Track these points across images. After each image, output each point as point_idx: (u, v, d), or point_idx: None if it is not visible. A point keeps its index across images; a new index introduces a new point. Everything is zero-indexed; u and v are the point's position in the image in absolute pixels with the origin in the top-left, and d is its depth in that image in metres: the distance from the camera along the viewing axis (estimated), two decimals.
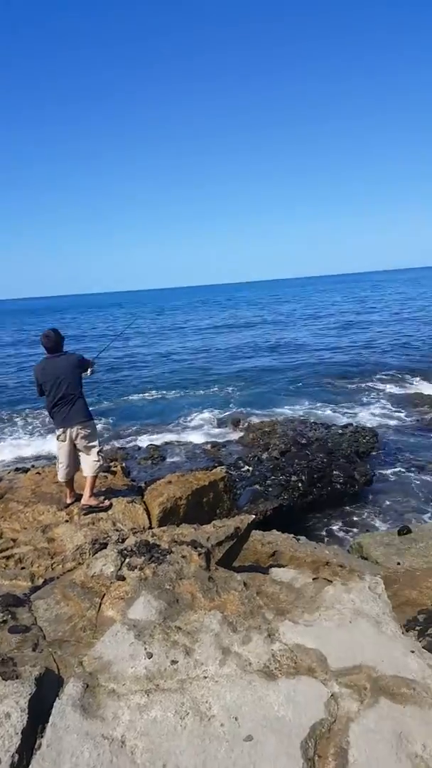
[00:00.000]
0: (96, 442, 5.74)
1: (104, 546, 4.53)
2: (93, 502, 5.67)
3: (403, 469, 11.72)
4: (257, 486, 9.82)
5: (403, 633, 3.14)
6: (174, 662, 2.83)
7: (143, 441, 14.79)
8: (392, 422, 15.42)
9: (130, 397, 20.88)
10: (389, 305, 59.46)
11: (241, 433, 14.89)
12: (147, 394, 21.28)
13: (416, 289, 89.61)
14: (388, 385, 19.79)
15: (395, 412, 16.41)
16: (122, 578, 3.77)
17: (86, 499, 5.66)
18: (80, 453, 5.73)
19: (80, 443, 5.65)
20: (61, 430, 5.66)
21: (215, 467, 10.74)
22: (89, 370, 5.87)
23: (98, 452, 5.73)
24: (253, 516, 5.21)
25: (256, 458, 11.66)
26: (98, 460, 5.73)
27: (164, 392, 21.56)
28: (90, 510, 5.58)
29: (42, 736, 2.36)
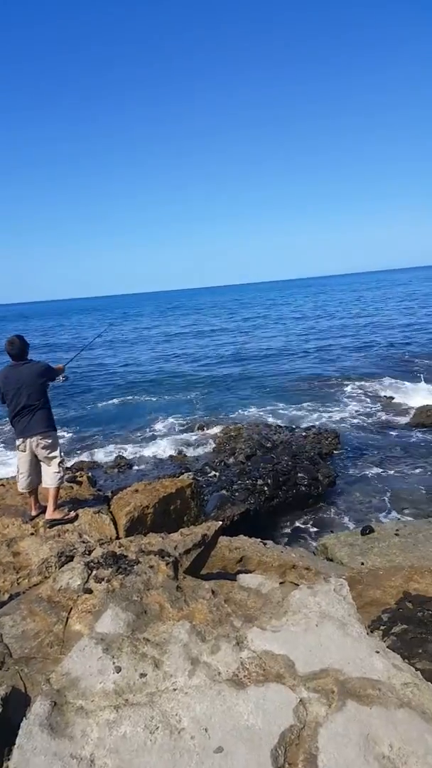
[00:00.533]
0: (57, 453, 5.66)
1: (70, 558, 4.48)
2: (57, 515, 5.59)
3: (364, 469, 11.95)
4: (224, 491, 9.87)
5: (367, 634, 3.19)
6: (143, 675, 2.81)
7: (110, 449, 14.70)
8: (354, 423, 15.71)
9: (96, 405, 20.72)
10: (350, 308, 60.65)
11: (208, 439, 14.95)
12: (112, 402, 21.16)
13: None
14: (348, 388, 20.12)
15: (356, 413, 16.71)
16: (89, 591, 3.74)
17: (50, 513, 5.58)
18: (42, 463, 5.66)
19: (40, 453, 5.58)
20: (21, 440, 5.57)
21: (182, 474, 10.76)
22: (61, 376, 5.80)
23: (59, 463, 5.65)
24: (221, 522, 5.23)
25: (222, 463, 11.71)
26: (59, 471, 5.65)
27: (129, 399, 21.48)
28: (54, 524, 5.50)
29: (9, 759, 2.32)
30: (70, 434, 16.30)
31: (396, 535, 6.50)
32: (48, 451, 5.58)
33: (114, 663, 2.88)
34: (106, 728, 2.45)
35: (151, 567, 3.98)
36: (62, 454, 5.80)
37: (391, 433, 14.48)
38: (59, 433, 6.09)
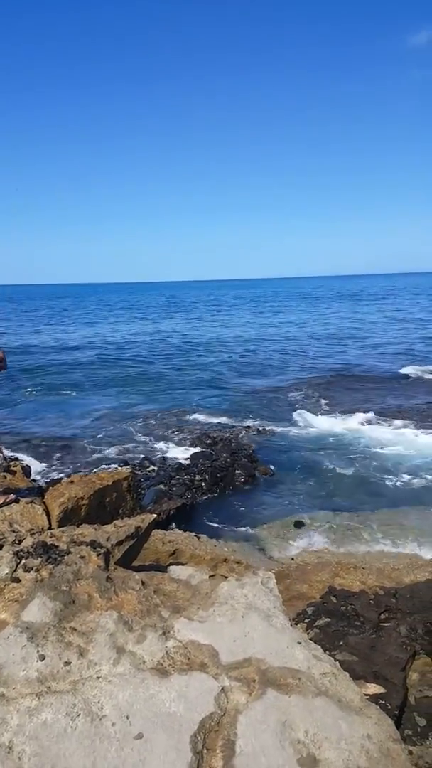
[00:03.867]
0: None
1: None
2: None
3: (300, 467, 12.24)
4: (162, 485, 9.89)
5: (291, 625, 3.29)
6: (67, 663, 2.81)
7: (46, 439, 14.40)
8: (292, 424, 15.99)
9: (32, 395, 20.26)
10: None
11: (148, 432, 14.89)
12: (49, 390, 20.75)
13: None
14: (291, 391, 20.48)
15: (293, 415, 17.01)
16: (17, 580, 3.68)
17: None
18: None
19: None
20: None
21: (121, 466, 10.70)
22: None
23: None
24: (155, 515, 5.24)
25: (161, 457, 11.73)
26: None
27: (68, 389, 21.11)
28: None
29: None
30: (4, 422, 15.89)
31: (327, 530, 6.70)
32: None
33: (38, 651, 2.86)
34: (27, 715, 2.44)
35: (82, 557, 3.96)
36: None
37: (329, 432, 14.85)
38: None
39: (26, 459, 11.98)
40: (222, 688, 2.70)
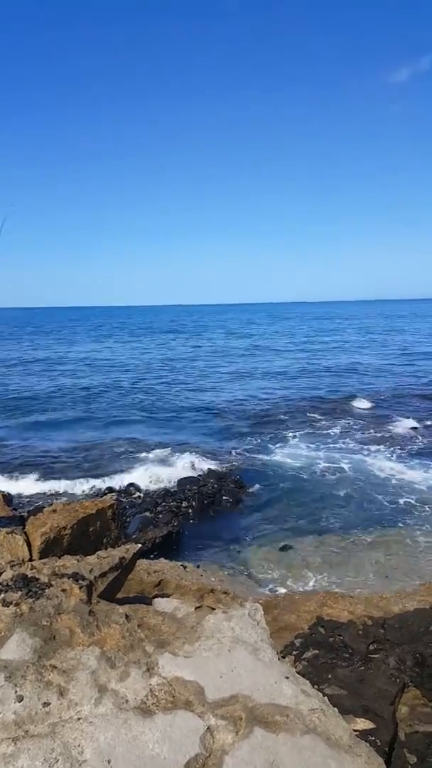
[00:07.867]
0: None
1: None
2: None
3: (288, 492, 12.15)
4: (147, 513, 9.76)
5: (279, 659, 3.20)
6: (46, 704, 2.69)
7: (28, 466, 14.19)
8: (280, 449, 15.94)
9: (12, 419, 20.04)
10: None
11: (135, 459, 14.75)
12: (33, 416, 20.54)
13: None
14: (279, 416, 20.47)
15: (282, 441, 16.98)
16: None
17: None
18: None
19: None
20: None
21: (105, 494, 10.56)
22: None
23: None
24: (140, 545, 5.13)
25: (148, 484, 11.61)
26: None
27: (51, 415, 20.92)
28: None
29: None
30: None
31: (314, 556, 6.62)
32: None
33: (16, 692, 2.74)
34: (2, 763, 2.32)
35: (64, 590, 3.85)
36: None
37: (316, 458, 14.82)
38: None
39: (7, 486, 11.78)
40: (208, 728, 2.60)
